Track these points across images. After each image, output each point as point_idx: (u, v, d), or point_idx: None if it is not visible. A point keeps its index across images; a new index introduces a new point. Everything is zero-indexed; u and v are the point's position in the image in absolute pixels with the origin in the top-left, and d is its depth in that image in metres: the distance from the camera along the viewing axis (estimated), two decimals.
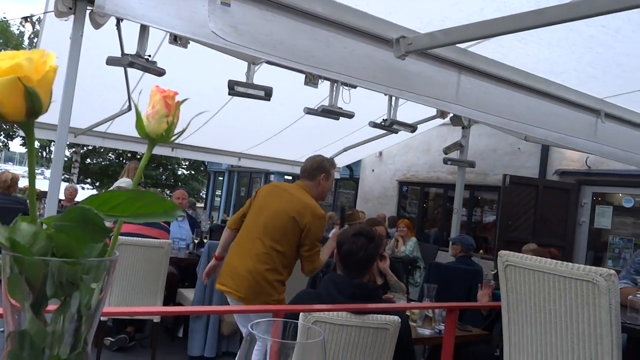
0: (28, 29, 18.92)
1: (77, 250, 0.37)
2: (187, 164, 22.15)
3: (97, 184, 20.25)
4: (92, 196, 0.37)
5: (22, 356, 0.35)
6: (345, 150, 7.98)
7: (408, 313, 2.95)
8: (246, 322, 3.01)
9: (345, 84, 4.18)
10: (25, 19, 11.90)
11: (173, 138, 0.45)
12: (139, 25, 3.07)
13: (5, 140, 17.17)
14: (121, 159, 20.54)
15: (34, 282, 0.35)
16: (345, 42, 2.15)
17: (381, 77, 2.33)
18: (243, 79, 3.79)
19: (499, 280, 2.05)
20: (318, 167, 3.14)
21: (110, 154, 20.56)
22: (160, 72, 3.39)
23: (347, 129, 6.67)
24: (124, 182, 5.42)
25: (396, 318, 2.04)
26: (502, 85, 3.09)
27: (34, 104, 0.36)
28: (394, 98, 4.53)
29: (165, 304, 3.87)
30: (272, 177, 14.55)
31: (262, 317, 2.98)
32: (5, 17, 19.18)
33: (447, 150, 5.86)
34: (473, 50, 2.81)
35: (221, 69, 3.99)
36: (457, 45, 2.59)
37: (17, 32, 19.83)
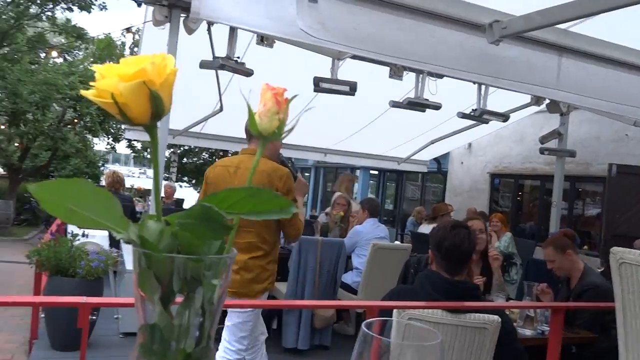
0: (129, 39, 20.47)
1: (198, 247, 0.38)
2: None
3: (194, 181, 21.50)
4: (212, 195, 0.38)
5: (152, 348, 0.37)
6: (432, 142, 7.78)
7: (507, 312, 2.80)
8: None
9: (432, 75, 4.06)
10: (127, 29, 12.91)
11: (284, 135, 0.45)
12: (228, 28, 3.20)
13: (113, 143, 18.75)
14: (214, 157, 21.62)
15: (161, 277, 0.37)
16: (434, 31, 2.08)
17: (473, 65, 2.22)
18: (328, 75, 3.82)
19: (612, 279, 1.88)
20: None
21: (204, 153, 21.73)
22: (248, 73, 3.51)
23: (434, 121, 6.49)
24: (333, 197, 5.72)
25: (496, 317, 1.94)
26: (609, 66, 2.82)
27: (158, 106, 0.38)
28: (483, 87, 4.33)
29: None
30: (357, 172, 14.55)
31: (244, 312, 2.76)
32: (109, 33, 20.93)
33: (543, 140, 5.50)
34: (575, 30, 2.60)
35: (306, 66, 4.05)
36: (557, 26, 2.40)
37: (119, 42, 21.55)
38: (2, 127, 14.52)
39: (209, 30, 3.51)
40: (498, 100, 4.59)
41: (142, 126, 0.39)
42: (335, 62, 3.83)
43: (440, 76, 4.02)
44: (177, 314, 0.37)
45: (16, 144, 15.37)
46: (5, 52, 15.56)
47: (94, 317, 3.65)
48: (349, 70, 3.83)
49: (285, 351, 4.12)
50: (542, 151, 5.48)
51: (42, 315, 3.91)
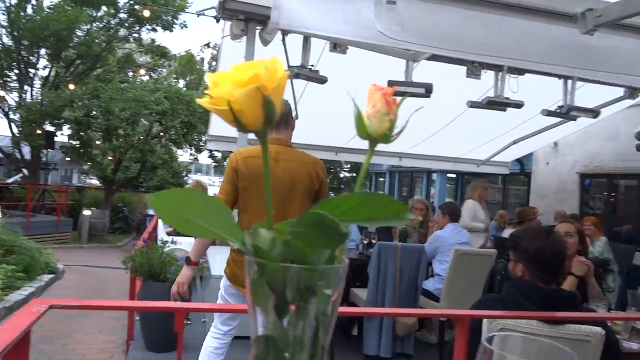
0: (207, 54, 21.49)
1: (310, 256, 0.37)
2: (348, 166, 22.89)
3: None
4: (323, 201, 0.37)
5: None
6: (514, 143, 7.42)
7: (609, 324, 2.58)
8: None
9: (512, 72, 3.88)
10: (206, 45, 13.56)
11: (393, 137, 0.43)
12: (302, 38, 3.25)
13: (195, 154, 19.73)
14: None
15: (275, 286, 0.36)
16: (520, 24, 1.97)
17: (563, 58, 2.08)
18: (402, 78, 3.75)
19: None
20: (289, 111, 2.63)
21: None
22: (322, 80, 3.54)
23: (515, 120, 6.19)
24: (465, 205, 5.72)
25: (599, 329, 1.79)
26: None
27: (270, 112, 0.37)
28: (569, 82, 4.06)
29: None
30: (434, 175, 14.22)
31: None
32: (189, 50, 22.14)
33: None
34: None
35: (379, 70, 4.01)
36: None
37: (198, 58, 22.67)
38: (98, 142, 15.74)
39: (283, 40, 3.59)
40: (586, 95, 4.28)
41: (253, 132, 0.39)
42: (409, 64, 3.76)
43: (522, 72, 3.83)
44: (290, 325, 0.36)
45: (109, 158, 16.60)
46: (99, 73, 16.89)
47: (188, 322, 3.80)
48: (423, 72, 3.74)
49: (367, 358, 4.08)
50: (639, 148, 5.05)
51: (137, 318, 4.16)
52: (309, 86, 4.71)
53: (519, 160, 10.02)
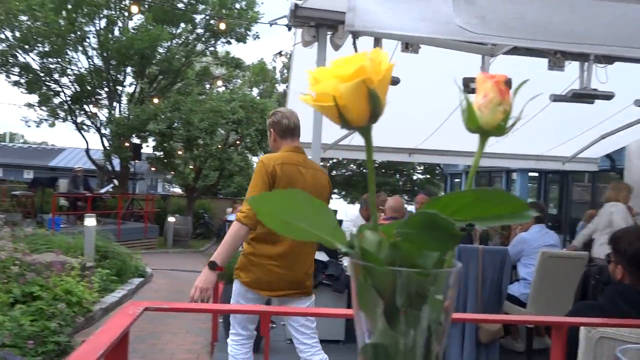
0: (279, 63, 22.02)
1: (417, 258, 0.34)
2: (421, 168, 22.44)
3: (343, 193, 22.13)
4: (433, 200, 0.34)
5: None
6: (603, 137, 6.91)
7: None
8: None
9: (600, 61, 3.62)
10: (278, 53, 13.89)
11: (507, 129, 0.40)
12: (373, 39, 3.22)
13: None
14: (361, 168, 22.06)
15: (382, 292, 0.34)
16: (612, 7, 1.81)
17: None
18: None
19: None
20: (299, 121, 2.70)
21: (351, 165, 22.27)
22: (395, 81, 3.48)
23: (604, 113, 5.76)
24: (614, 207, 5.25)
25: None
26: None
27: (376, 106, 0.35)
28: None
29: None
30: (514, 175, 13.58)
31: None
32: (261, 59, 22.83)
33: None
34: None
35: (452, 68, 3.88)
36: None
37: (270, 67, 23.30)
38: (180, 152, 16.60)
39: (354, 43, 3.58)
40: None
41: (357, 129, 0.37)
42: (485, 59, 3.61)
43: (611, 61, 3.57)
44: (401, 333, 0.34)
45: (191, 167, 17.44)
46: (179, 86, 17.84)
47: (273, 326, 3.85)
48: (500, 67, 3.59)
49: None
50: None
51: (221, 320, 4.30)
52: None
53: (609, 156, 9.32)
